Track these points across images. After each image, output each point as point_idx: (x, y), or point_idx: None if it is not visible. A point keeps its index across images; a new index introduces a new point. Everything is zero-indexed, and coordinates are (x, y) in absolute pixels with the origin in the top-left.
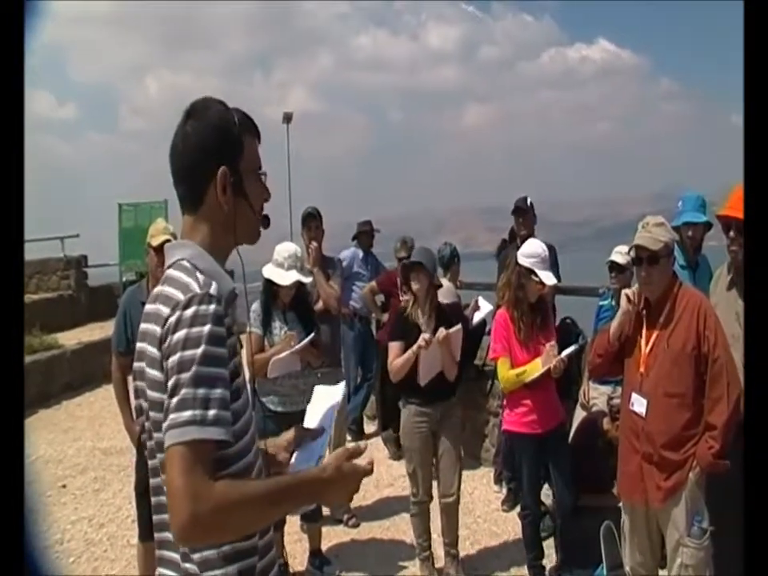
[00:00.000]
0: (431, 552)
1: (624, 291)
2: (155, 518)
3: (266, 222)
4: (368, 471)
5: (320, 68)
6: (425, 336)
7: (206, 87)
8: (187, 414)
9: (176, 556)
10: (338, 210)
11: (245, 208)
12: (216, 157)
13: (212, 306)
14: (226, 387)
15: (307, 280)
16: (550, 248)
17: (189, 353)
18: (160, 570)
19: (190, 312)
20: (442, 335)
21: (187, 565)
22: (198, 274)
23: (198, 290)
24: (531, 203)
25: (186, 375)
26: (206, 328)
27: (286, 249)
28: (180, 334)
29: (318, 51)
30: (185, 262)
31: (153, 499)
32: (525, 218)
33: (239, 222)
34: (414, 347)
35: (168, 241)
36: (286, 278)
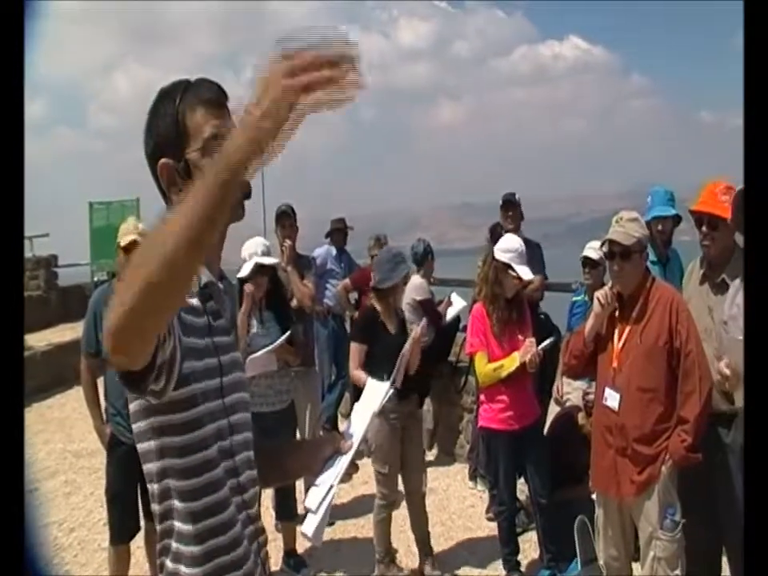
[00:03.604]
0: (393, 562)
1: (596, 293)
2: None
3: (244, 191)
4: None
5: None
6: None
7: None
8: None
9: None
10: (311, 208)
11: None
12: (154, 154)
13: None
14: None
15: (270, 260)
16: (536, 245)
17: None
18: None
19: None
20: (417, 333)
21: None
22: None
23: None
24: (519, 198)
25: None
26: None
27: (250, 244)
28: None
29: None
30: None
31: (148, 486)
32: (513, 211)
33: None
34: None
35: (137, 242)
36: (245, 268)
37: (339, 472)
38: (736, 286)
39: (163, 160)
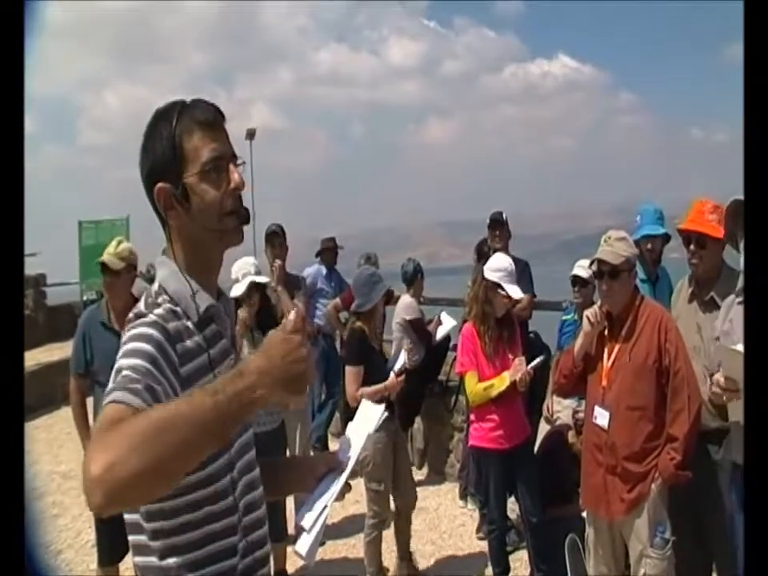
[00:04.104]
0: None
1: (586, 312)
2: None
3: (243, 216)
4: (301, 339)
5: (281, 84)
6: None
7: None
8: (113, 386)
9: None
10: (302, 226)
11: (205, 215)
12: (150, 176)
13: (148, 319)
14: (156, 382)
15: (262, 279)
16: (524, 263)
17: (122, 351)
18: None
19: (129, 326)
20: (409, 348)
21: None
22: (159, 299)
23: (142, 309)
24: (506, 217)
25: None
26: (141, 331)
27: (240, 264)
28: (122, 341)
29: (278, 67)
30: (156, 285)
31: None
32: (501, 231)
33: (206, 231)
34: (394, 381)
35: (104, 263)
36: (239, 287)
37: (334, 491)
38: (729, 302)
39: (160, 184)
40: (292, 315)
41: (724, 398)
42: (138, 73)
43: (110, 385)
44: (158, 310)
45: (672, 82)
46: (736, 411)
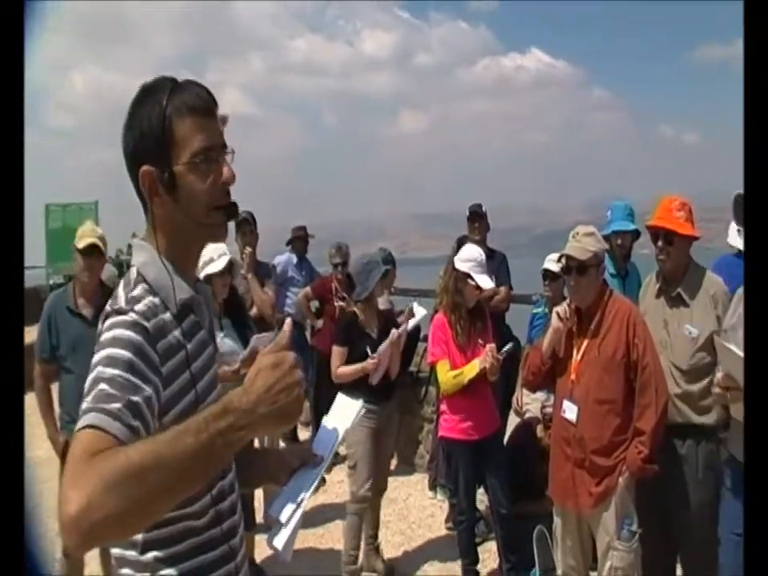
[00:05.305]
0: (359, 567)
1: (555, 309)
2: None
3: (230, 211)
4: (294, 360)
5: (253, 71)
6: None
7: (136, 86)
8: (90, 406)
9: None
10: (272, 215)
11: (192, 207)
12: (137, 159)
13: (128, 319)
14: (137, 394)
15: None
16: (502, 256)
17: (100, 356)
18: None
19: (108, 323)
20: (395, 335)
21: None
22: (138, 288)
23: (122, 305)
24: (485, 210)
25: (92, 375)
26: (119, 334)
27: (214, 247)
28: (99, 340)
29: (251, 54)
30: (133, 271)
31: None
32: (480, 223)
33: (192, 223)
34: (370, 361)
35: (95, 245)
36: (217, 264)
37: (311, 485)
38: (740, 295)
39: (146, 167)
40: (285, 327)
41: (728, 396)
42: (106, 56)
43: (86, 399)
44: (139, 306)
45: (643, 80)
46: (738, 410)
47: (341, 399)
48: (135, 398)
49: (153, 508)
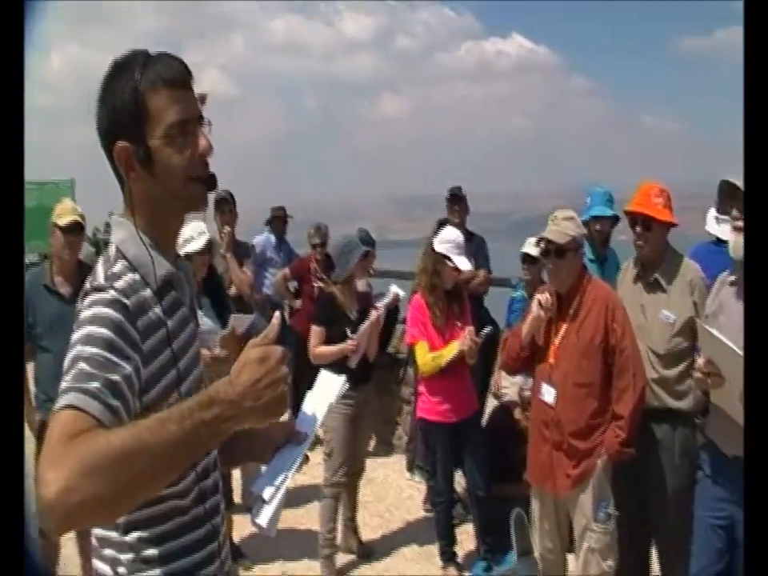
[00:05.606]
0: (335, 549)
1: (537, 297)
2: None
3: (209, 182)
4: (281, 354)
5: (234, 51)
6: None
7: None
8: (68, 385)
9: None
10: (252, 195)
11: (169, 180)
12: (112, 135)
13: (107, 296)
14: (116, 372)
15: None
16: (481, 239)
17: (79, 334)
18: (96, 563)
19: (87, 301)
20: (375, 317)
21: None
22: (117, 264)
23: (102, 282)
24: (465, 193)
25: (72, 353)
26: (99, 312)
27: (193, 226)
28: (78, 318)
29: (231, 34)
30: (112, 248)
31: None
32: (460, 206)
33: (170, 196)
34: (350, 343)
35: (77, 222)
36: (197, 242)
37: (295, 463)
38: (721, 281)
39: (121, 143)
40: (274, 320)
41: (709, 381)
42: (84, 35)
43: (65, 379)
44: (119, 283)
45: (624, 69)
46: (718, 396)
47: (324, 375)
48: (115, 377)
49: (132, 494)
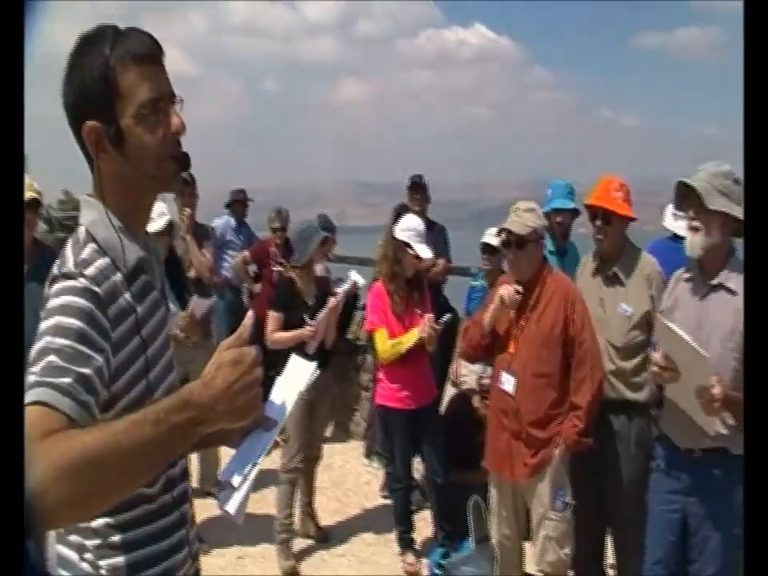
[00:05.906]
0: (292, 534)
1: (501, 292)
2: None
3: (183, 161)
4: (255, 357)
5: (193, 30)
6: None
7: (71, 39)
8: (38, 379)
9: (71, 552)
10: (211, 178)
11: (142, 160)
12: (80, 113)
13: (78, 285)
14: (88, 366)
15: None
16: (441, 227)
17: (47, 324)
18: (60, 548)
19: (56, 288)
20: (333, 303)
21: (85, 557)
22: (87, 248)
23: (71, 268)
24: (427, 181)
25: (39, 345)
26: (69, 301)
27: (156, 206)
28: (46, 307)
29: (190, 12)
30: (82, 230)
31: None
32: (420, 194)
33: (143, 176)
34: (308, 329)
35: (35, 199)
36: (157, 223)
37: (263, 449)
38: (676, 277)
39: (90, 123)
40: (247, 320)
41: (665, 376)
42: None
43: (33, 371)
44: (90, 270)
45: (585, 63)
46: (672, 390)
47: (294, 360)
48: (86, 371)
49: (106, 496)
